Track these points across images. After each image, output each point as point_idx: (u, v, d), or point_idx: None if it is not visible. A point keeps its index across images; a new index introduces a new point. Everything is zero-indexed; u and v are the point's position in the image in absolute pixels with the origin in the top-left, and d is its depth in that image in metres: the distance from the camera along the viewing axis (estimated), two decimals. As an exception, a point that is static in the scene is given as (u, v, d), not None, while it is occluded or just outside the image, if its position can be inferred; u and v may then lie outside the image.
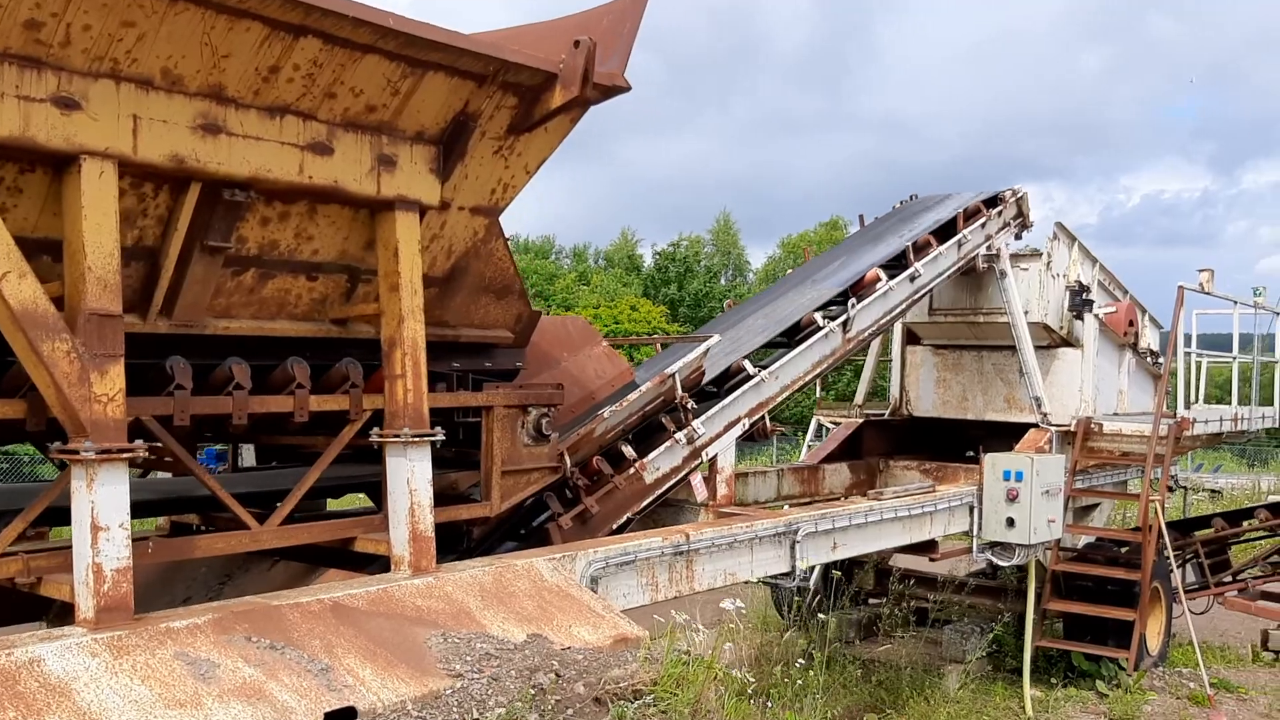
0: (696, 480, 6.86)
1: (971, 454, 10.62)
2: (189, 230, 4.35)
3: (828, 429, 11.77)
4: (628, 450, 6.49)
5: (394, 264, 4.80)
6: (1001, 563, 8.89)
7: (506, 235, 5.83)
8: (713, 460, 7.07)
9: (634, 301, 41.65)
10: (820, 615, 10.60)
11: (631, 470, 6.43)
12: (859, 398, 11.57)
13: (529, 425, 5.64)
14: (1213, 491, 26.67)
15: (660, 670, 4.49)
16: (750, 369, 7.41)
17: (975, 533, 8.79)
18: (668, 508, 7.22)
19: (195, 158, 4.16)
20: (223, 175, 4.25)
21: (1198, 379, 12.01)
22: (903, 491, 8.07)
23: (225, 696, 3.62)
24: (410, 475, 4.75)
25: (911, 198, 11.31)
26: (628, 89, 5.25)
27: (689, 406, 6.79)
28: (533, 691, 4.11)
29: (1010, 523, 8.70)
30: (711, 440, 7.04)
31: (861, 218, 10.74)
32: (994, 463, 8.84)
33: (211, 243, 4.39)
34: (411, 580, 4.64)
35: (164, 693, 3.57)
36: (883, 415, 11.74)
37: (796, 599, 11.00)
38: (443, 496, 5.65)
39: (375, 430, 4.81)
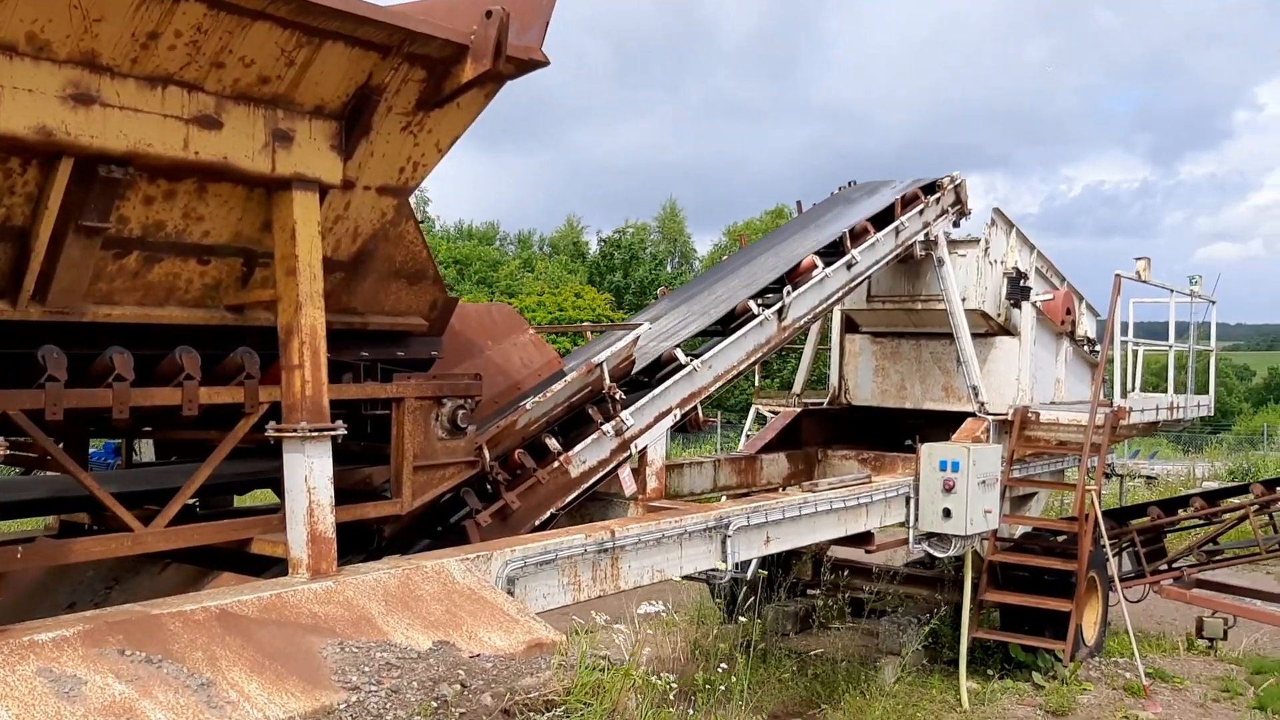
0: (625, 473, 6.62)
1: (910, 443, 10.51)
2: (62, 209, 4.00)
3: (767, 418, 11.59)
4: (552, 443, 6.22)
5: (291, 246, 4.49)
6: (938, 554, 8.77)
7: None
8: (642, 452, 6.84)
9: (578, 288, 41.32)
10: (742, 608, 10.45)
11: (556, 464, 6.17)
12: (797, 386, 11.40)
13: (443, 418, 5.35)
14: (1148, 478, 26.98)
15: (575, 678, 4.24)
16: (682, 358, 7.18)
17: (912, 524, 8.66)
18: (596, 502, 6.98)
19: (65, 130, 3.82)
20: (97, 149, 3.91)
21: (1135, 368, 12.00)
22: (838, 483, 7.89)
23: (91, 717, 3.31)
24: (309, 472, 4.45)
25: (850, 184, 11.14)
26: (545, 63, 4.97)
27: (617, 397, 6.55)
28: (435, 704, 3.85)
29: (946, 514, 8.58)
30: (641, 432, 6.80)
31: (799, 204, 10.56)
32: (930, 453, 8.71)
33: (88, 223, 4.05)
34: (309, 585, 4.34)
35: (21, 714, 3.25)
36: (821, 404, 11.59)
37: (733, 591, 10.84)
38: (355, 493, 5.37)
39: (271, 424, 4.51)
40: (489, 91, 5.00)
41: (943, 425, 10.28)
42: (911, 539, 8.69)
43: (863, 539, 8.29)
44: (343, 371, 5.17)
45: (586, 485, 6.41)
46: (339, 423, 4.55)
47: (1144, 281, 10.42)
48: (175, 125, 4.12)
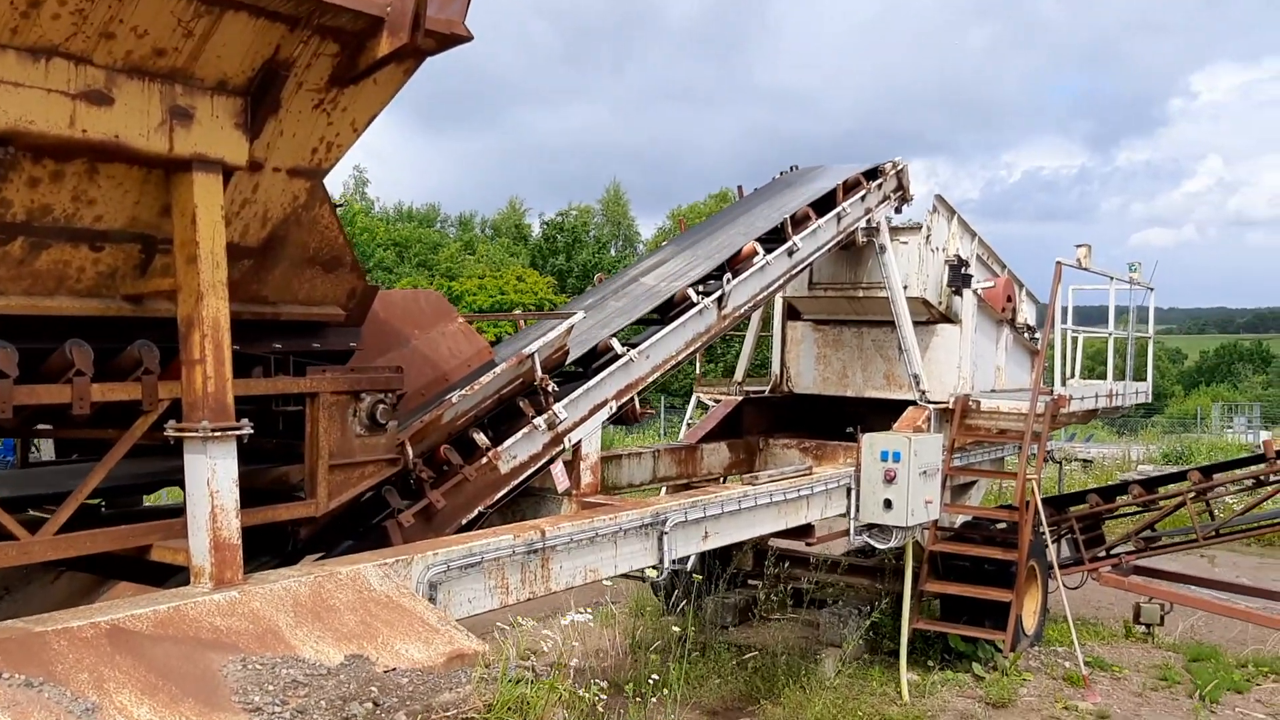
0: (557, 469, 6.37)
1: (852, 431, 10.39)
2: (-68, 191, 3.67)
3: (709, 405, 11.40)
4: (480, 438, 5.96)
5: (192, 232, 4.18)
6: (879, 545, 8.65)
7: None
8: (577, 446, 6.60)
9: (520, 272, 40.89)
10: (682, 600, 10.28)
11: (484, 460, 5.92)
12: (738, 374, 11.23)
13: (362, 413, 5.06)
14: (1085, 461, 27.32)
15: (497, 692, 4.00)
16: (618, 348, 6.95)
17: (853, 515, 8.52)
18: (529, 498, 6.73)
19: (-66, 105, 3.49)
20: (-29, 126, 3.58)
21: (1074, 355, 11.99)
22: (778, 475, 7.72)
23: (-44, 751, 3.02)
24: (211, 475, 4.15)
25: (792, 169, 10.96)
26: (468, 38, 4.69)
27: (550, 389, 6.29)
28: (344, 725, 3.59)
29: (888, 504, 8.45)
30: (575, 425, 6.56)
31: (740, 189, 10.35)
32: (871, 443, 8.57)
33: (-38, 206, 3.71)
34: (212, 595, 4.05)
35: (-123, 750, 2.95)
36: (763, 392, 11.43)
37: (672, 583, 10.66)
38: (270, 493, 5.07)
39: (170, 423, 4.19)
40: (408, 68, 4.71)
41: (885, 413, 10.17)
42: (852, 531, 8.55)
43: (803, 532, 8.14)
44: (253, 365, 4.87)
45: (517, 482, 6.16)
46: (245, 421, 4.25)
47: (1085, 269, 10.37)
48: (61, 101, 3.80)
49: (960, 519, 10.35)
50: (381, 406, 5.12)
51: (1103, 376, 12.07)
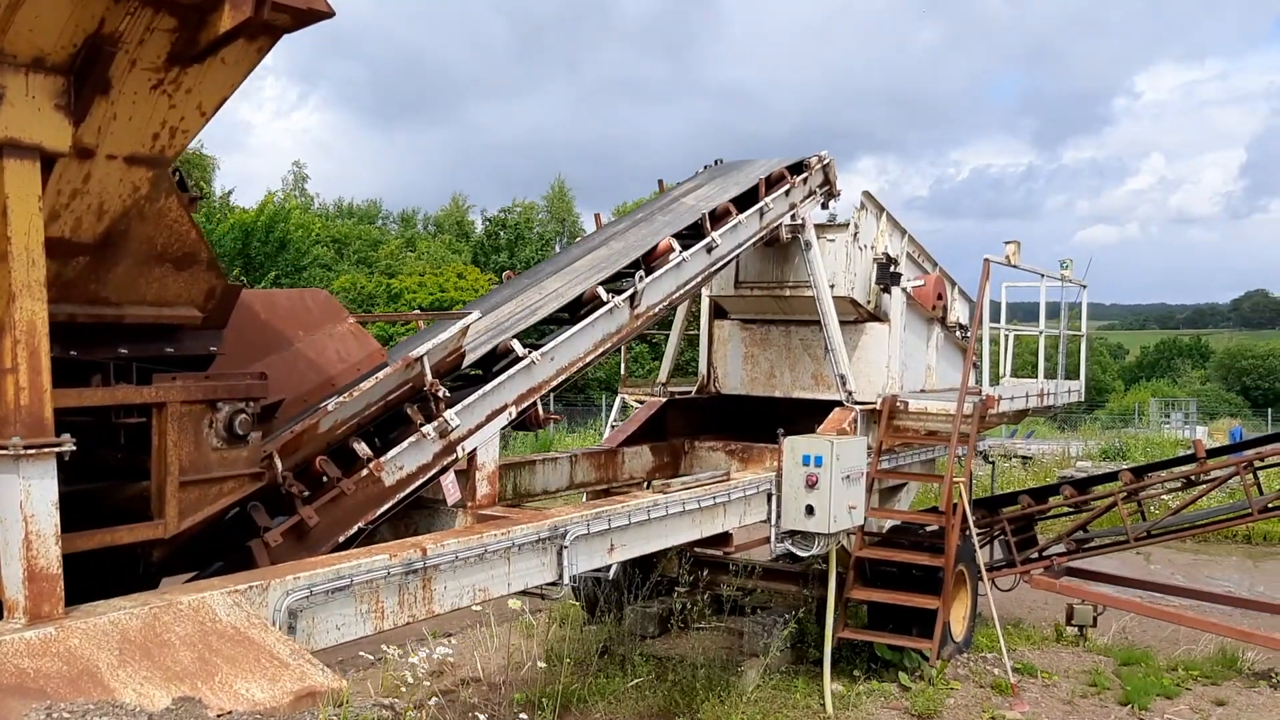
0: (448, 480, 5.97)
1: (782, 432, 10.10)
2: None
3: (633, 407, 11.04)
4: (361, 448, 5.54)
5: (3, 226, 3.73)
6: (801, 553, 8.34)
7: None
8: (472, 455, 6.20)
9: (461, 269, 40.27)
10: (604, 609, 9.93)
11: (365, 472, 5.50)
12: (662, 375, 10.88)
13: (219, 424, 4.63)
14: (1024, 458, 27.38)
15: (345, 737, 3.60)
16: (519, 350, 6.55)
17: (774, 522, 8.21)
18: (422, 511, 6.33)
19: None
20: None
21: (1006, 353, 11.80)
22: (692, 482, 7.38)
23: None
24: (25, 498, 3.70)
25: (717, 162, 10.64)
26: (329, 14, 4.28)
27: (441, 395, 5.89)
28: (158, 782, 3.17)
29: (810, 510, 8.15)
30: (470, 432, 6.16)
31: (661, 183, 10.00)
32: (793, 446, 8.26)
33: None
34: (23, 633, 3.61)
35: None
36: (689, 393, 11.10)
37: (593, 591, 10.30)
38: (127, 513, 4.62)
39: (-22, 440, 3.74)
40: (261, 45, 4.28)
41: (814, 414, 9.86)
42: (773, 538, 8.24)
43: (721, 540, 7.81)
44: (92, 373, 4.42)
45: (404, 494, 5.75)
46: (66, 436, 3.80)
47: (1014, 266, 10.15)
48: None
49: (889, 522, 10.08)
50: (242, 416, 4.70)
51: (1037, 374, 11.89)
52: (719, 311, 11.13)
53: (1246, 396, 79.98)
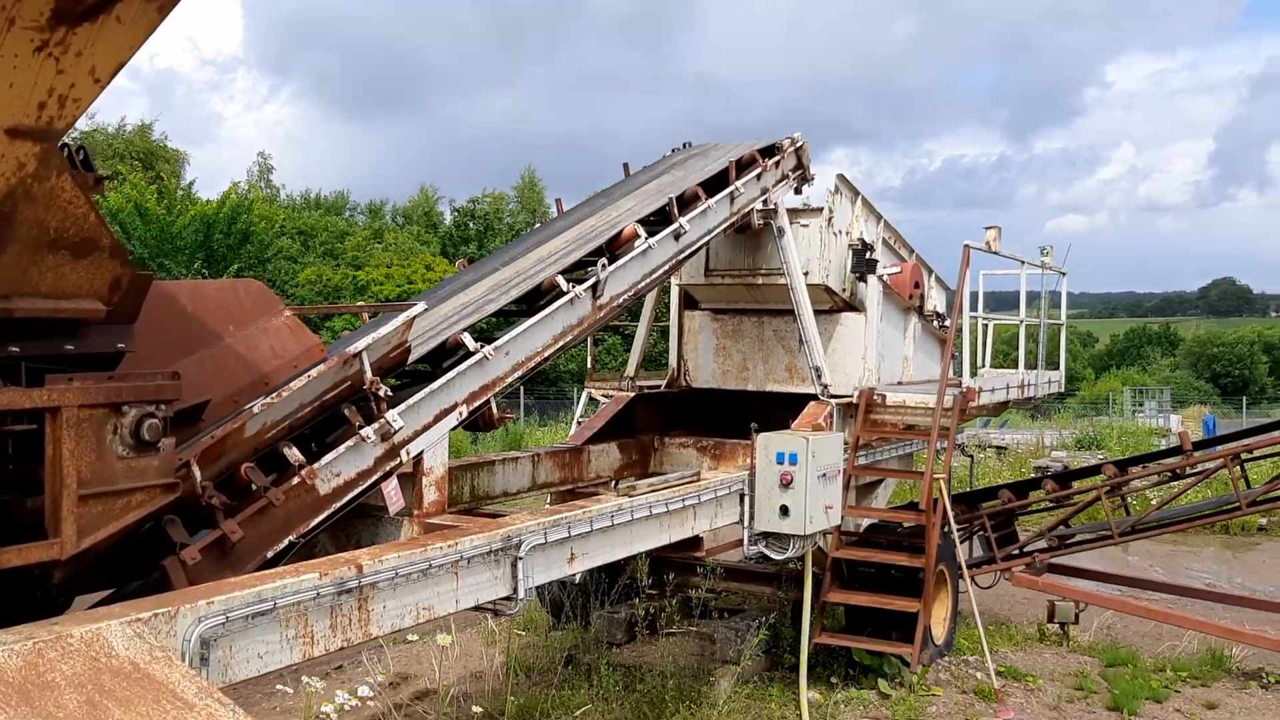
0: (390, 487, 5.48)
1: (757, 428, 9.67)
2: None
3: (601, 402, 10.58)
4: (293, 453, 5.05)
5: None
6: (775, 556, 7.91)
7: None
8: (418, 459, 5.72)
9: (429, 260, 39.60)
10: (571, 614, 9.48)
11: (296, 480, 5.00)
12: (630, 368, 10.42)
13: (124, 430, 4.13)
14: (999, 448, 27.13)
15: (251, 794, 3.13)
16: (470, 344, 6.07)
17: (747, 524, 7.77)
18: (365, 520, 5.85)
19: None
20: None
21: (985, 343, 11.41)
22: (660, 484, 6.92)
23: None
24: (-123, 521, 3.20)
25: (685, 145, 10.18)
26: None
27: (382, 393, 5.40)
28: None
29: (784, 511, 7.72)
30: (416, 434, 5.67)
31: (626, 166, 9.52)
32: (766, 444, 7.83)
33: None
34: (-125, 679, 3.11)
35: None
36: (659, 387, 10.65)
37: (559, 595, 9.84)
38: (30, 529, 4.11)
39: None
40: (162, 3, 3.78)
41: (788, 408, 9.43)
42: (746, 541, 7.81)
43: (691, 545, 7.37)
44: (-25, 374, 3.90)
45: (342, 503, 5.26)
46: (-72, 449, 3.30)
47: (994, 253, 9.76)
48: None
49: (867, 521, 9.67)
50: (151, 421, 4.19)
51: (1016, 365, 11.53)
52: (689, 301, 10.69)
53: (1216, 384, 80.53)
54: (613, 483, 9.55)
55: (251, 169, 58.82)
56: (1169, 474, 10.58)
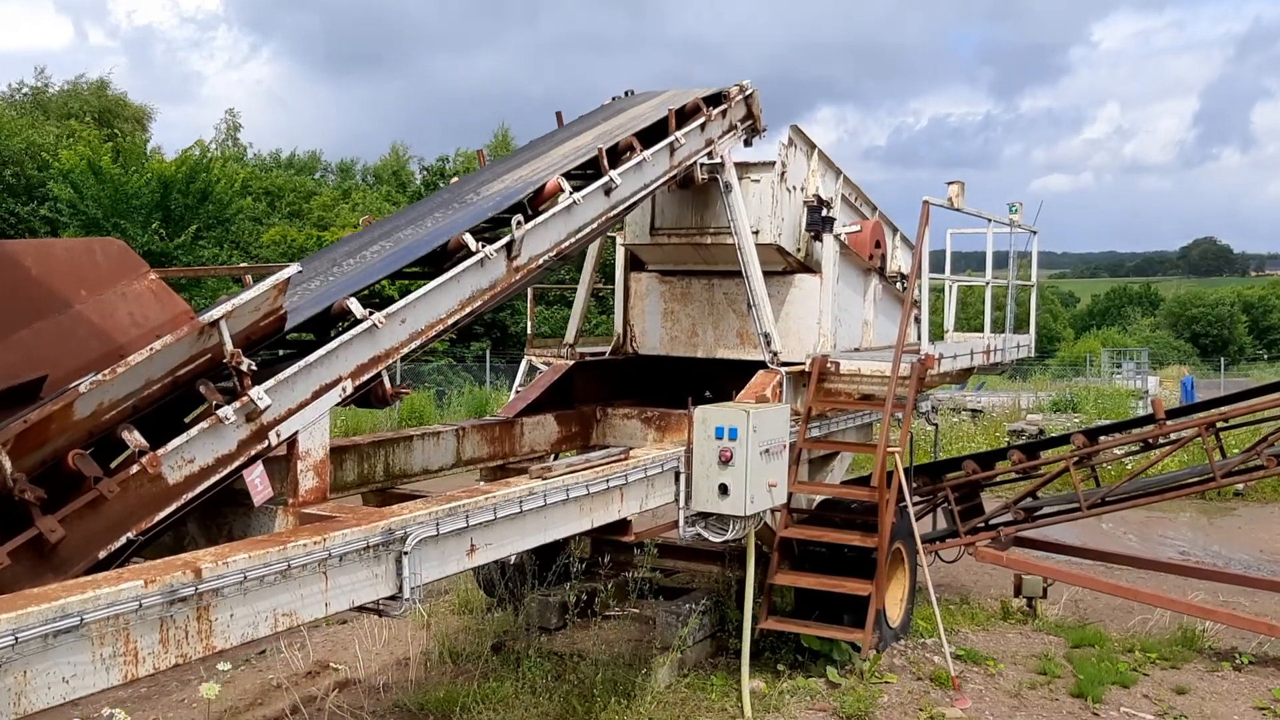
0: (255, 474, 4.84)
1: (708, 395, 9.08)
2: None
3: (542, 371, 9.94)
4: (132, 438, 4.40)
5: None
6: (714, 538, 7.34)
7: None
8: (292, 441, 5.08)
9: (398, 221, 38.60)
10: (507, 596, 8.92)
11: (136, 468, 4.36)
12: (570, 334, 9.78)
13: (-103, 418, 3.48)
14: (974, 411, 26.65)
15: None
16: (357, 310, 5.41)
17: (682, 504, 7.18)
18: (237, 509, 5.21)
19: None
20: None
21: (951, 305, 10.82)
22: (580, 464, 6.31)
23: None
24: None
25: (628, 93, 9.47)
26: None
27: (245, 367, 4.75)
28: None
29: (724, 490, 7.13)
30: (289, 413, 5.03)
31: (560, 116, 8.82)
32: (704, 418, 7.23)
33: None
34: None
35: None
36: (603, 354, 10.02)
37: (494, 573, 9.28)
38: None
39: None
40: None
41: (741, 375, 8.82)
42: (682, 522, 7.22)
43: (617, 528, 6.78)
44: None
45: (196, 493, 4.62)
46: None
47: (956, 210, 9.13)
48: None
49: (819, 496, 9.10)
50: (-68, 406, 3.54)
51: (984, 328, 10.94)
52: (635, 262, 10.04)
53: (1195, 344, 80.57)
54: (552, 455, 8.95)
55: (219, 125, 57.51)
56: (1141, 444, 10.05)
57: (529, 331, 10.28)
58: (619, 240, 9.91)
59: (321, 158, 61.05)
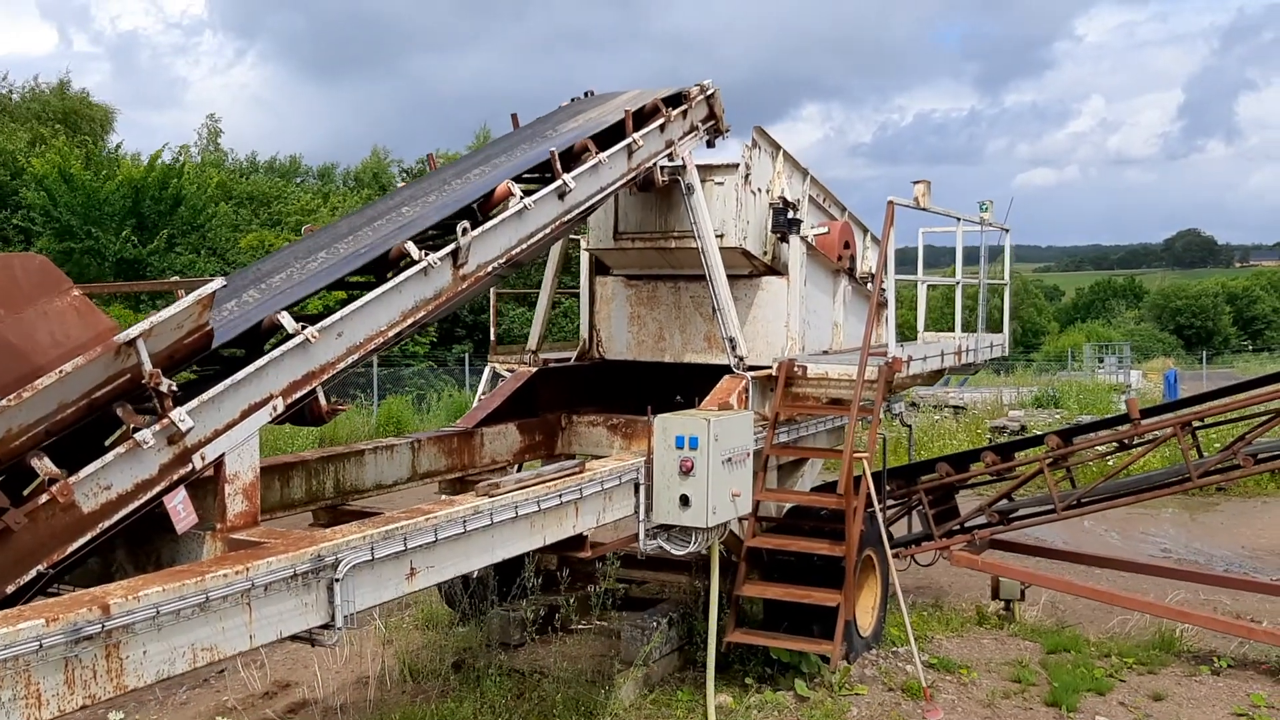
0: (176, 500, 4.62)
1: (679, 399, 8.88)
2: None
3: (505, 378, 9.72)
4: (42, 465, 4.18)
5: None
6: (676, 551, 7.14)
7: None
8: (219, 464, 4.86)
9: (377, 224, 38.25)
10: (471, 610, 8.71)
11: (46, 498, 4.14)
12: (533, 341, 9.56)
13: None
14: (956, 408, 26.51)
15: None
16: (289, 325, 5.19)
17: (642, 516, 6.98)
18: (165, 535, 4.98)
19: None
20: None
21: (922, 305, 10.64)
22: (532, 479, 6.10)
23: None
24: None
25: (587, 94, 9.26)
26: None
27: (165, 388, 4.53)
28: None
29: (685, 501, 6.94)
30: (216, 434, 4.81)
31: (515, 118, 8.61)
32: (664, 426, 7.03)
33: None
34: None
35: None
36: (568, 360, 9.81)
37: (455, 588, 9.07)
38: None
39: None
40: None
41: (709, 380, 8.63)
42: (643, 536, 7.02)
43: (572, 545, 6.57)
44: None
45: (114, 521, 4.40)
46: None
47: (924, 209, 8.94)
48: None
49: (789, 505, 8.91)
50: None
51: (968, 328, 10.77)
52: (600, 267, 9.84)
53: (1180, 335, 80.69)
54: (515, 466, 8.75)
55: (200, 130, 57.00)
56: (1116, 444, 9.89)
57: (492, 338, 10.05)
58: (583, 244, 9.72)
59: (303, 162, 60.56)
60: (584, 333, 9.94)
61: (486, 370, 9.88)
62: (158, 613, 3.91)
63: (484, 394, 9.73)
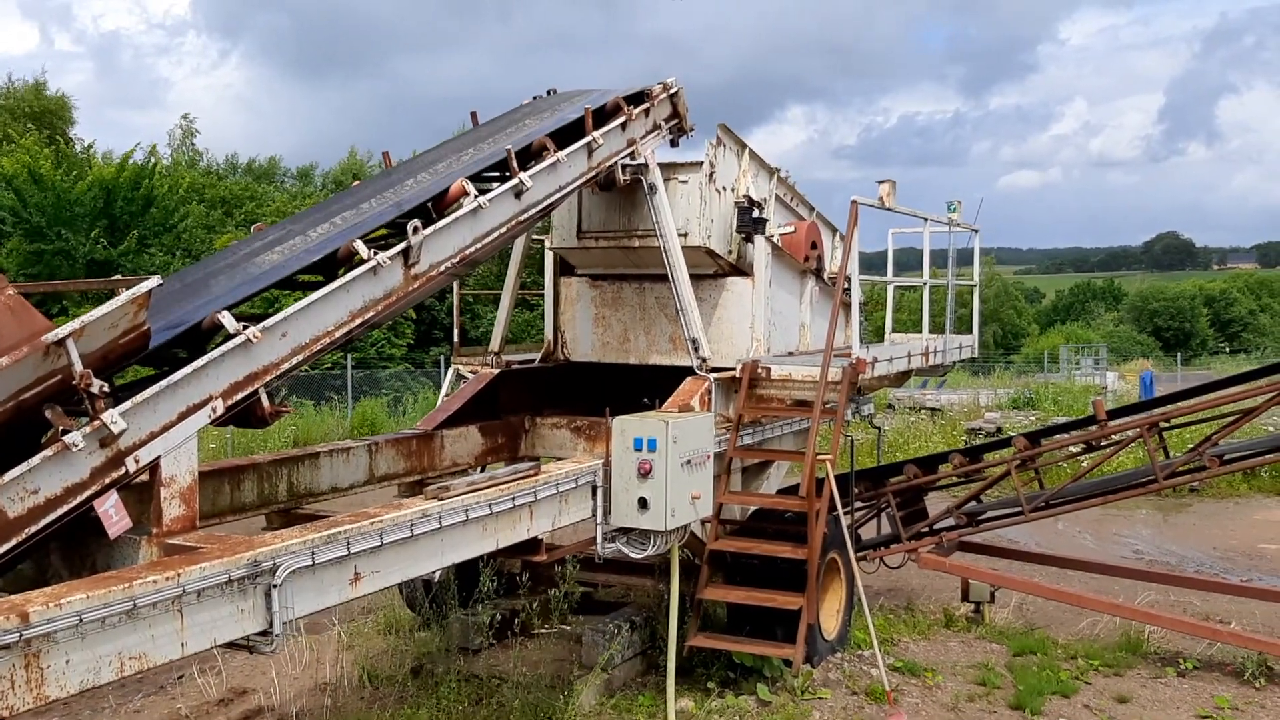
0: (108, 504, 4.49)
1: (648, 401, 8.78)
2: None
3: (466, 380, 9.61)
4: (-40, 469, 4.06)
5: None
6: (635, 554, 7.05)
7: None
8: (154, 467, 4.74)
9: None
10: (433, 614, 8.58)
11: (-36, 503, 4.02)
12: (495, 342, 9.45)
13: None
14: (932, 410, 26.51)
15: None
16: (230, 325, 5.07)
17: (600, 519, 6.89)
18: (99, 539, 4.85)
19: None
20: None
21: (889, 307, 10.58)
22: (484, 481, 5.99)
23: None
24: None
25: (549, 92, 9.16)
26: None
27: (97, 389, 4.40)
28: None
29: (643, 504, 6.85)
30: (151, 437, 4.68)
31: (474, 116, 8.50)
32: (622, 429, 6.94)
33: None
34: None
35: None
36: (532, 361, 9.71)
37: (417, 591, 8.94)
38: None
39: None
40: None
41: (675, 381, 8.54)
42: (600, 539, 6.92)
43: (528, 548, 6.46)
44: None
45: (41, 526, 4.27)
46: None
47: (889, 209, 8.88)
48: None
49: (752, 508, 8.83)
50: None
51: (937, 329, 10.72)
52: (565, 267, 9.73)
53: (1158, 337, 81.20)
54: (479, 468, 8.65)
55: (174, 130, 56.58)
56: (1084, 445, 9.85)
57: (455, 339, 9.93)
58: (547, 244, 9.62)
59: (281, 163, 60.17)
60: (549, 334, 9.83)
61: (449, 372, 9.78)
62: (81, 620, 3.79)
63: (447, 395, 9.63)
